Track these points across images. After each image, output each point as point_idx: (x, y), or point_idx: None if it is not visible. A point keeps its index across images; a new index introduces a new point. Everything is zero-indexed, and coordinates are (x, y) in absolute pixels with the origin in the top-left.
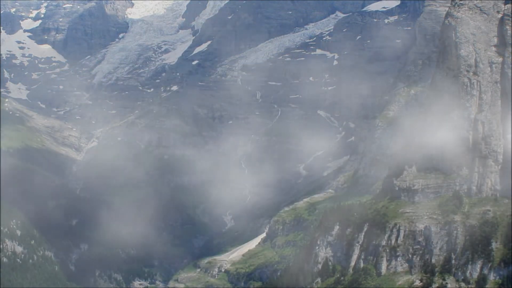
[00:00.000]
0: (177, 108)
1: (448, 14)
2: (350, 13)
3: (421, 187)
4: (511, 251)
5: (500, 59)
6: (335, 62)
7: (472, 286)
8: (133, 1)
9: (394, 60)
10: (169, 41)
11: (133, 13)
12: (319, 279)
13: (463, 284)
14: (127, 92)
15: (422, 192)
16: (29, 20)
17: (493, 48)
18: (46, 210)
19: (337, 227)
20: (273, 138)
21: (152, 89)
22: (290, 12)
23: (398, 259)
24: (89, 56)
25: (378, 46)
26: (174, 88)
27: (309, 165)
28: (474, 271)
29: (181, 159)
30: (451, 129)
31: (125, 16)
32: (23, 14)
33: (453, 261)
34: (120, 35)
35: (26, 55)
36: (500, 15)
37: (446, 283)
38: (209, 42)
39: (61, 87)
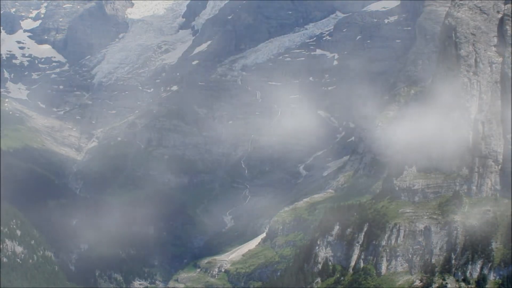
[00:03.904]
0: (177, 108)
1: (448, 14)
2: (350, 13)
3: (421, 187)
4: (511, 251)
5: (500, 59)
6: (335, 62)
7: (472, 286)
8: (133, 1)
9: (394, 60)
10: (169, 41)
11: (133, 13)
12: (319, 279)
13: (463, 284)
14: (127, 92)
15: (422, 192)
16: (29, 20)
17: (493, 48)
18: (46, 210)
19: (337, 227)
20: (273, 138)
21: (152, 89)
22: (290, 12)
23: (398, 259)
24: (89, 56)
25: (378, 46)
26: (174, 88)
27: (309, 165)
28: (474, 271)
29: (181, 159)
30: (451, 129)
31: (125, 16)
32: (23, 14)
33: (453, 261)
34: (120, 35)
35: (26, 55)
36: (500, 15)
37: (446, 283)
38: (209, 42)
39: (61, 87)
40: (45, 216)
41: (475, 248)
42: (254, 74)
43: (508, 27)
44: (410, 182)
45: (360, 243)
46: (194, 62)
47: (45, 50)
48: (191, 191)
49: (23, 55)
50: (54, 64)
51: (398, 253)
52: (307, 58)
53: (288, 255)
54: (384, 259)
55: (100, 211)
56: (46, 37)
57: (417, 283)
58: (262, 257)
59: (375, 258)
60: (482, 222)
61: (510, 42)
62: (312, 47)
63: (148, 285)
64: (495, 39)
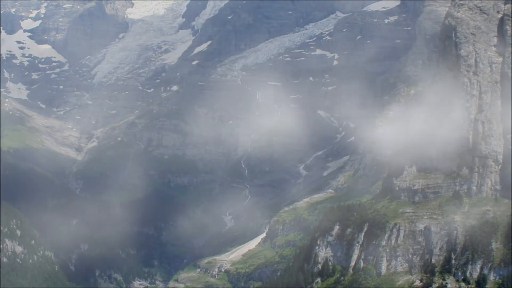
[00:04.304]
0: (177, 108)
1: (448, 14)
2: (350, 13)
3: (421, 187)
4: (511, 251)
5: (500, 59)
6: (335, 62)
7: (472, 286)
8: (133, 1)
9: (394, 60)
10: (169, 41)
11: (133, 13)
12: (319, 279)
13: (463, 284)
14: (127, 92)
15: (422, 192)
16: (29, 20)
17: (493, 48)
18: (46, 210)
19: (337, 227)
20: (273, 138)
21: (152, 89)
22: (290, 12)
23: (398, 259)
24: (89, 56)
25: (378, 46)
26: (174, 88)
27: (309, 165)
28: (474, 271)
29: (181, 159)
30: (451, 129)
31: (125, 16)
32: (23, 14)
33: (453, 261)
34: (120, 35)
35: (26, 55)
36: (500, 15)
37: (446, 283)
38: (209, 42)
39: (61, 87)
40: (45, 216)
41: (475, 248)
42: (254, 74)
43: (508, 27)
44: (410, 182)
45: (360, 243)
46: (194, 62)
47: (45, 50)
48: (191, 191)
49: (23, 55)
50: (54, 64)
51: (398, 253)
52: (307, 58)
53: (288, 255)
54: (384, 259)
55: (100, 211)
56: (46, 37)
57: (417, 283)
58: (262, 257)
59: (375, 258)
60: (482, 222)
61: (510, 42)
62: (312, 47)
63: (148, 285)
64: (495, 39)
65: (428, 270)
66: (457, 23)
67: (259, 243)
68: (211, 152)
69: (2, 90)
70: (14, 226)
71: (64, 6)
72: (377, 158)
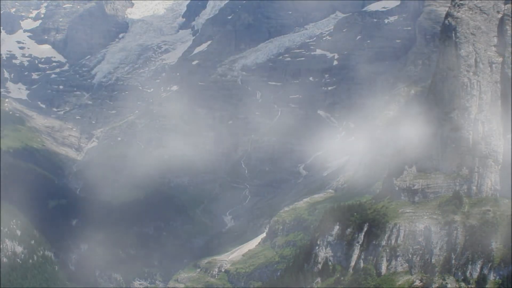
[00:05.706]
0: (177, 108)
1: (448, 14)
2: (350, 13)
3: (421, 187)
4: (511, 251)
5: (500, 59)
6: (335, 62)
7: (472, 286)
8: (133, 1)
9: (394, 60)
10: (169, 41)
11: (133, 13)
12: (319, 279)
13: (463, 284)
14: (127, 92)
15: (422, 192)
16: (29, 20)
17: (493, 48)
18: (46, 210)
19: (337, 227)
20: (273, 138)
21: (152, 89)
22: (290, 12)
23: (398, 259)
24: (89, 56)
25: (378, 46)
26: (174, 88)
27: (309, 165)
28: (474, 271)
29: (181, 159)
30: (451, 129)
31: (125, 16)
32: (23, 14)
33: (453, 261)
34: (120, 35)
35: (26, 55)
36: (500, 15)
37: (446, 283)
38: (209, 42)
39: (61, 87)
40: (45, 216)
41: (475, 248)
42: (254, 74)
43: (508, 27)
44: (410, 182)
45: (360, 243)
46: (194, 62)
47: (45, 50)
48: (191, 191)
49: (23, 55)
50: (54, 64)
51: (398, 253)
52: (307, 58)
53: (288, 255)
54: (384, 259)
55: (100, 211)
56: (46, 37)
57: (417, 283)
58: (262, 257)
59: (375, 258)
60: (482, 222)
61: (510, 42)
62: (312, 47)
63: (148, 285)
64: (495, 39)
65: (428, 270)
66: (457, 23)
67: (259, 243)
68: (211, 152)
69: (2, 90)
70: (14, 226)
71: (64, 6)
72: (377, 158)
